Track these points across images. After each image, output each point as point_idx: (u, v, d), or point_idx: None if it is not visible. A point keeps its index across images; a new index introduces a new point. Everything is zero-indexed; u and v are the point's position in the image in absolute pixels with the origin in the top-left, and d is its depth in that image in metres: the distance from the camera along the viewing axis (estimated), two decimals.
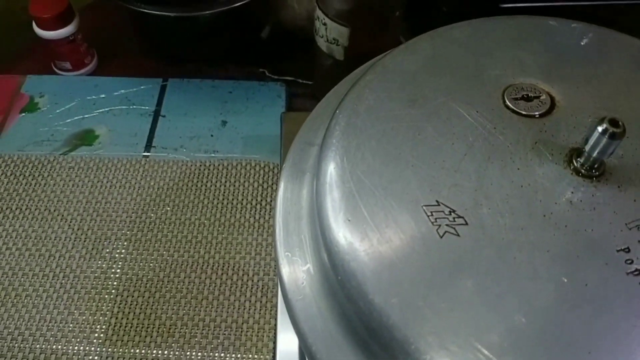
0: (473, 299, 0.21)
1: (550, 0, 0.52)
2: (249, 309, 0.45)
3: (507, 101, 0.26)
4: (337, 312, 0.23)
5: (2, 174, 0.51)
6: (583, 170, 0.24)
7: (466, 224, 0.22)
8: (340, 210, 0.23)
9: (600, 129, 0.22)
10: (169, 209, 0.51)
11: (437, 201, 0.23)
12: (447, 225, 0.22)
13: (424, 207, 0.23)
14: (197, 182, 0.52)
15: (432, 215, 0.23)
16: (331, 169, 0.24)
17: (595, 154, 0.23)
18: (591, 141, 0.23)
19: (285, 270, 0.25)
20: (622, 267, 0.21)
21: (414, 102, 0.26)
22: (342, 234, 0.23)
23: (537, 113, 0.26)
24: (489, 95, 0.26)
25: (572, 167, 0.24)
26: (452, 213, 0.23)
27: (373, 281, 0.21)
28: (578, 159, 0.24)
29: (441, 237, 0.22)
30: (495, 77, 0.27)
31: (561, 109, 0.26)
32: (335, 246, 0.22)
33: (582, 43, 0.29)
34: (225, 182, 0.52)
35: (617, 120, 0.22)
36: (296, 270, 0.25)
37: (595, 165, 0.24)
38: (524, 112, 0.26)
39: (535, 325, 0.20)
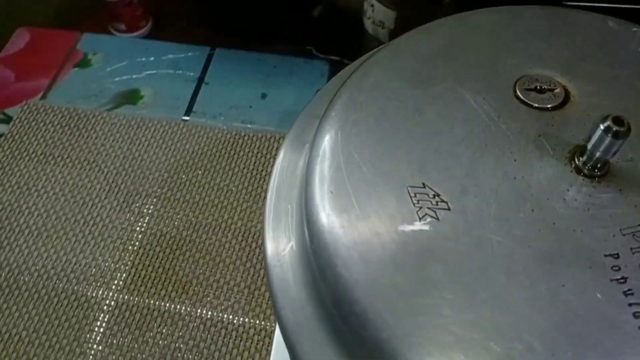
0: (440, 285, 0.20)
1: (615, 2, 0.50)
2: (263, 277, 0.46)
3: (517, 91, 0.25)
4: (310, 281, 0.23)
5: (50, 123, 0.54)
6: (585, 170, 0.23)
7: (449, 209, 0.22)
8: (325, 182, 0.23)
9: (602, 126, 0.21)
10: (200, 172, 0.52)
11: (423, 183, 0.23)
12: (428, 208, 0.22)
13: (409, 188, 0.22)
14: (231, 150, 0.53)
15: (415, 196, 0.22)
16: (325, 141, 0.24)
17: (598, 153, 0.22)
18: (593, 139, 0.21)
19: (269, 236, 0.25)
20: (606, 273, 0.20)
21: (420, 84, 0.25)
22: (323, 204, 0.23)
23: (548, 106, 0.25)
24: (500, 84, 0.25)
25: (573, 165, 0.23)
26: (437, 197, 0.22)
27: (343, 255, 0.21)
28: (580, 157, 0.23)
29: (420, 219, 0.22)
30: (511, 67, 0.26)
31: (575, 104, 0.25)
32: (314, 216, 0.22)
33: (614, 42, 0.27)
34: (257, 153, 0.53)
35: (622, 118, 0.21)
36: (280, 237, 0.25)
37: (598, 165, 0.22)
38: (533, 104, 0.24)
39: (501, 319, 0.20)
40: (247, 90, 0.56)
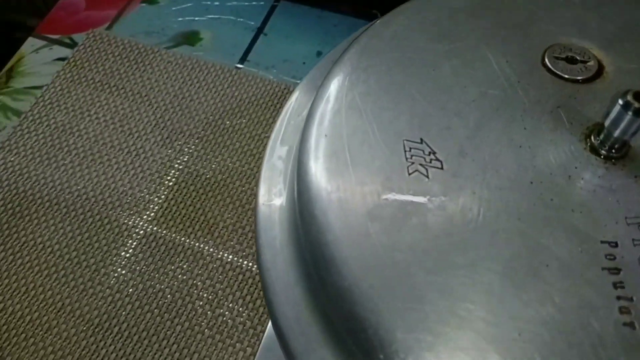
0: (414, 244, 0.19)
1: None
2: None
3: (546, 58, 0.23)
4: (292, 222, 0.23)
5: (110, 53, 0.56)
6: (600, 149, 0.21)
7: (441, 168, 0.21)
8: (322, 124, 0.22)
9: (621, 101, 0.19)
10: (244, 120, 0.52)
11: (421, 139, 0.21)
12: (420, 165, 0.21)
13: (405, 142, 0.21)
14: (277, 103, 0.53)
15: (409, 150, 0.21)
16: (331, 84, 0.23)
17: (616, 132, 0.20)
18: (611, 116, 0.19)
19: (265, 176, 0.25)
20: (599, 260, 0.19)
21: (443, 38, 0.24)
22: (315, 147, 0.22)
23: (578, 77, 0.23)
24: (529, 48, 0.23)
25: (588, 142, 0.21)
26: (432, 154, 0.21)
27: (323, 198, 0.21)
28: (597, 136, 0.21)
29: (409, 174, 0.21)
30: (546, 32, 0.24)
31: (606, 81, 0.22)
32: (305, 157, 0.22)
33: None
34: None
35: None
36: (275, 178, 0.25)
37: (616, 146, 0.20)
38: (560, 73, 0.23)
39: (471, 290, 0.18)
40: (304, 46, 0.56)
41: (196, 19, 0.57)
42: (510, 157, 0.21)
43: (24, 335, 0.42)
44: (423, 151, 0.21)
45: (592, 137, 0.21)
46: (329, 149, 0.22)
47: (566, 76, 0.22)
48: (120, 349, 0.41)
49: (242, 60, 0.55)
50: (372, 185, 0.21)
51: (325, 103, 0.23)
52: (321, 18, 0.57)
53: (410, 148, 0.21)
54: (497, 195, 0.20)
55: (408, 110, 0.22)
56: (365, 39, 0.25)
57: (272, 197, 0.24)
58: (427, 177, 0.20)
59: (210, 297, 0.44)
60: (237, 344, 0.42)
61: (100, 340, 0.42)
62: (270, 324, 0.22)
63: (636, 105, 0.19)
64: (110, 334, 0.42)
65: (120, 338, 0.42)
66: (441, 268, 0.19)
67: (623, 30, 0.24)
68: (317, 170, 0.21)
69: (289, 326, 0.21)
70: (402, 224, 0.20)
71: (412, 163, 0.21)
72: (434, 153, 0.21)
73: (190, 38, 0.56)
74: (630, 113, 0.19)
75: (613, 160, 0.20)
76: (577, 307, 0.18)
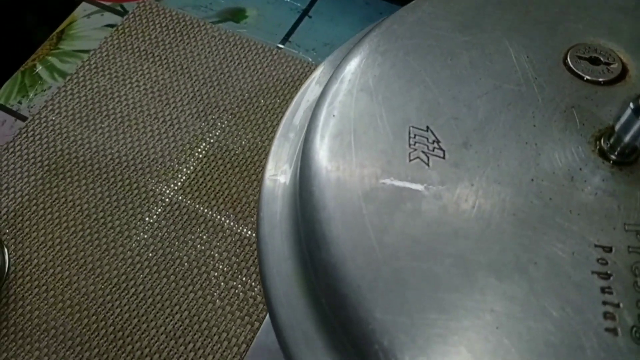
0: (405, 230, 0.19)
1: None
2: None
3: (568, 56, 0.22)
4: (292, 198, 0.23)
5: (158, 24, 0.57)
6: (610, 153, 0.20)
7: (443, 157, 0.21)
8: (332, 104, 0.22)
9: (633, 105, 0.18)
10: (278, 100, 0.53)
11: (427, 127, 0.21)
12: (423, 152, 0.21)
13: (411, 128, 0.21)
14: None
15: (414, 137, 0.21)
16: (347, 66, 0.24)
17: (626, 137, 0.19)
18: (622, 120, 0.19)
19: (274, 151, 0.25)
20: (590, 263, 0.18)
21: (466, 29, 0.24)
22: (322, 126, 0.22)
23: (599, 79, 0.22)
24: (552, 46, 0.23)
25: (597, 145, 0.20)
26: (435, 143, 0.21)
27: (322, 176, 0.21)
28: (608, 140, 0.20)
29: (410, 161, 0.21)
30: (573, 31, 0.23)
31: (628, 84, 0.22)
32: (311, 135, 0.22)
33: None
34: None
35: None
36: (284, 151, 0.25)
37: (626, 151, 0.20)
38: (579, 72, 0.22)
39: (457, 281, 0.18)
40: (346, 32, 0.56)
41: None
42: (514, 152, 0.20)
43: (45, 287, 0.44)
44: (427, 139, 0.21)
45: (602, 141, 0.20)
46: (335, 130, 0.22)
47: (587, 77, 0.22)
48: (134, 310, 0.43)
49: (284, 40, 0.56)
50: (372, 168, 0.21)
51: (339, 83, 0.23)
52: (368, 4, 0.57)
53: (415, 135, 0.21)
54: (496, 189, 0.20)
55: (418, 97, 0.22)
56: (388, 23, 0.24)
57: (278, 173, 0.24)
58: (428, 165, 0.20)
59: (225, 269, 0.45)
60: (245, 317, 0.42)
61: (117, 300, 0.43)
62: None
63: None
64: (127, 294, 0.43)
65: (135, 299, 0.43)
66: (428, 255, 0.19)
67: None
68: (321, 149, 0.21)
69: (278, 298, 0.22)
70: (396, 208, 0.20)
71: (415, 150, 0.21)
72: (438, 142, 0.21)
73: (236, 14, 0.57)
74: None
75: (620, 166, 0.20)
76: (560, 308, 0.17)
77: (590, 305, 0.18)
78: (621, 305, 0.17)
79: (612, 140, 0.20)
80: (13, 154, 0.50)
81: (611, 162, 0.20)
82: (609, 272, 0.18)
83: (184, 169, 0.50)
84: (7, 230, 0.46)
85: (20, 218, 0.47)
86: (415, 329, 0.18)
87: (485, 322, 0.18)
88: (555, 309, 0.18)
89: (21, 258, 0.45)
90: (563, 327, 0.17)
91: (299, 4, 0.58)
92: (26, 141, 0.51)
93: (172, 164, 0.50)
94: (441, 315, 0.18)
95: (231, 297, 0.43)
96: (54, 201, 0.48)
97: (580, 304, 0.18)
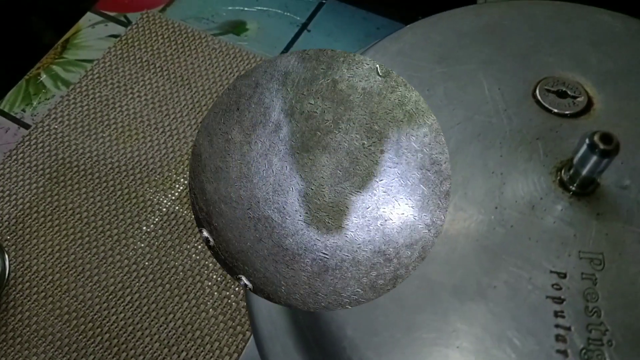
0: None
1: None
2: None
3: (537, 89, 0.24)
4: None
5: (160, 35, 0.59)
6: (570, 184, 0.21)
7: None
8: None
9: (588, 142, 0.19)
10: None
11: None
12: None
13: None
14: None
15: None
16: None
17: (583, 171, 0.20)
18: (579, 154, 0.20)
19: None
20: (545, 288, 0.19)
21: (443, 60, 0.25)
22: None
23: (565, 112, 0.23)
24: (523, 78, 0.24)
25: (558, 176, 0.21)
26: None
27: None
28: (568, 171, 0.21)
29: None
30: (544, 64, 0.25)
31: (592, 118, 0.23)
32: None
33: None
34: None
35: (611, 136, 0.19)
36: None
37: (584, 183, 0.21)
38: (547, 105, 0.23)
39: (421, 301, 0.20)
40: (344, 46, 0.57)
41: (245, 9, 0.60)
42: (480, 181, 0.22)
43: (43, 293, 0.45)
44: None
45: (563, 172, 0.21)
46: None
47: (554, 110, 0.23)
48: (129, 317, 0.44)
49: (283, 53, 0.57)
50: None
51: None
52: (366, 20, 0.59)
53: None
54: (462, 215, 0.21)
55: None
56: (372, 53, 0.26)
57: None
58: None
59: (219, 279, 0.46)
60: (237, 327, 0.44)
61: (113, 307, 0.45)
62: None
63: (601, 146, 0.19)
64: (123, 302, 0.45)
65: (131, 307, 0.45)
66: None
67: (622, 69, 0.24)
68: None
69: (260, 313, 0.23)
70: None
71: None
72: None
73: (237, 27, 0.59)
74: (596, 154, 0.19)
75: (578, 197, 0.21)
76: (515, 330, 0.19)
77: (543, 327, 0.19)
78: (572, 328, 0.19)
79: (571, 172, 0.21)
80: (16, 162, 0.52)
81: (570, 192, 0.21)
82: (562, 297, 0.19)
83: (182, 179, 0.51)
84: (8, 237, 0.48)
85: (21, 225, 0.48)
86: (382, 346, 0.19)
87: (447, 342, 0.19)
88: (512, 330, 0.19)
89: (21, 264, 0.47)
90: (518, 349, 0.18)
91: (298, 18, 0.59)
92: (29, 149, 0.52)
93: (170, 174, 0.51)
94: (406, 334, 0.19)
95: (224, 307, 0.45)
96: (54, 208, 0.49)
97: (534, 326, 0.19)
